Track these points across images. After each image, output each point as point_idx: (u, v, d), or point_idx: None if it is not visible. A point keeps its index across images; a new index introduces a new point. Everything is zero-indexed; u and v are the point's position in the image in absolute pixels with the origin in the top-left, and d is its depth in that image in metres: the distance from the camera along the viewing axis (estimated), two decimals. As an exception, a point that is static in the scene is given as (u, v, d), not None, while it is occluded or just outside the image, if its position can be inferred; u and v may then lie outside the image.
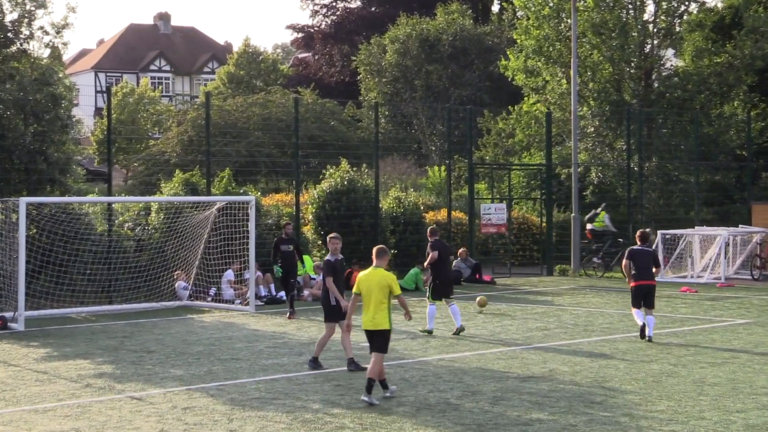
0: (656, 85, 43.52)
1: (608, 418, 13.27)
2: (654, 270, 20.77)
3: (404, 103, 61.27)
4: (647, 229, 24.57)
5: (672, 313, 24.98)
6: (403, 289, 29.63)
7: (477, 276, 33.38)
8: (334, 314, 17.02)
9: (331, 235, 17.75)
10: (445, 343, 19.72)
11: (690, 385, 15.37)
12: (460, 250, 33.77)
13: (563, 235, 37.81)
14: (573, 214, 36.22)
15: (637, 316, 20.60)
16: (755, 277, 33.91)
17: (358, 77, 65.17)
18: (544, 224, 37.92)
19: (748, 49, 41.45)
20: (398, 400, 14.42)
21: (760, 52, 41.34)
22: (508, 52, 45.74)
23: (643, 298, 20.61)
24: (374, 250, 15.09)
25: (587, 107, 41.76)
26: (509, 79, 46.24)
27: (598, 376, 16.18)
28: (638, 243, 21.14)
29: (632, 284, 20.71)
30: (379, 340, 14.54)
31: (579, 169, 38.93)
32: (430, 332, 21.15)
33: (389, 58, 62.28)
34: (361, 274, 14.94)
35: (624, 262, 21.07)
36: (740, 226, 36.92)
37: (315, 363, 17.03)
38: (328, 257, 17.42)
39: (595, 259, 35.98)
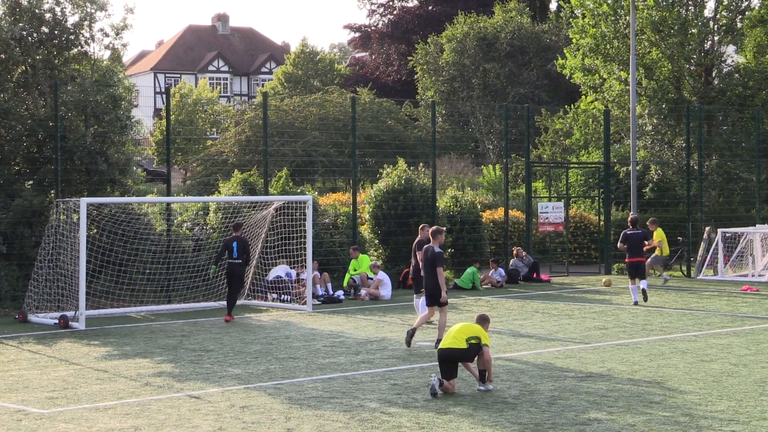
0: (716, 82, 43.05)
1: (667, 418, 13.16)
2: (644, 248, 26.83)
3: (461, 102, 61.17)
4: (635, 215, 30.18)
5: (733, 312, 24.70)
6: (459, 288, 30.00)
7: (534, 275, 33.25)
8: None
9: (435, 227, 19.31)
10: (503, 342, 19.66)
11: (751, 385, 15.20)
12: (515, 249, 33.69)
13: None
14: (632, 213, 35.92)
15: (633, 292, 26.13)
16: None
17: (415, 76, 65.19)
18: (602, 223, 37.67)
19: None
20: (455, 400, 14.41)
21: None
22: (565, 51, 45.50)
23: (635, 271, 26.11)
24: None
25: (646, 105, 41.39)
26: (567, 78, 46.02)
27: (657, 376, 16.05)
28: (630, 227, 26.74)
29: (626, 260, 26.51)
30: None
31: (638, 167, 38.61)
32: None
33: (446, 57, 62.21)
34: None
35: (619, 244, 26.51)
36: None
37: (433, 343, 18.81)
38: (439, 249, 18.78)
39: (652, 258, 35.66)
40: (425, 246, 19.34)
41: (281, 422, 13.17)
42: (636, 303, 26.04)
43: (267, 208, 27.60)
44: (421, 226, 22.84)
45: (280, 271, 27.45)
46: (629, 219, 27.64)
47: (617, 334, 20.92)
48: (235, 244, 24.06)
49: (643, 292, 26.00)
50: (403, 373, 16.55)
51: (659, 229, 31.14)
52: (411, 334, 19.16)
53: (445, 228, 22.20)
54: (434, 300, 18.92)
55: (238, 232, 24.65)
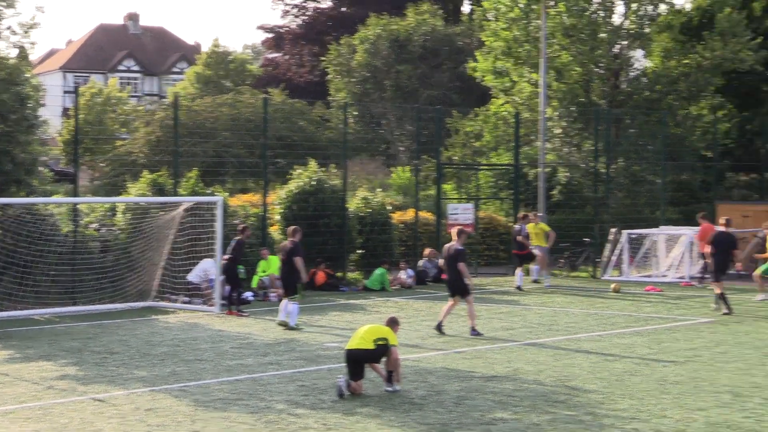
0: (624, 86, 43.73)
1: (571, 416, 13.32)
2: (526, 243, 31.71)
3: (373, 104, 61.28)
4: (524, 213, 33.73)
5: (636, 312, 25.11)
6: (368, 289, 30.06)
7: (443, 276, 33.37)
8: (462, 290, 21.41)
9: (459, 228, 22.08)
10: (410, 344, 19.73)
11: (652, 384, 15.46)
12: (426, 250, 33.82)
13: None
14: (540, 214, 36.31)
15: (517, 277, 30.86)
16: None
17: (328, 77, 65.11)
18: (510, 224, 38.00)
19: (719, 50, 41.68)
20: (362, 401, 14.43)
21: (730, 54, 41.57)
22: (476, 54, 45.83)
23: (520, 261, 31.78)
24: None
25: (556, 108, 41.88)
26: (478, 80, 46.35)
27: (562, 375, 16.24)
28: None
29: (514, 252, 32.23)
30: None
31: (546, 170, 39.07)
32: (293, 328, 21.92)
33: (359, 59, 62.25)
34: None
35: (519, 237, 31.66)
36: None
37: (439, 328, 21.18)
38: (461, 246, 21.11)
39: (561, 259, 36.15)
40: (447, 245, 21.62)
41: (187, 425, 13.07)
42: (519, 287, 30.41)
43: (176, 209, 27.34)
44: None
45: (206, 265, 26.96)
46: (520, 215, 33.53)
47: (524, 335, 21.13)
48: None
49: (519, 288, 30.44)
50: (311, 375, 16.53)
51: (541, 224, 32.90)
52: (439, 327, 21.27)
53: (465, 229, 25.85)
54: (457, 291, 21.34)
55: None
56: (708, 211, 39.36)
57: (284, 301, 22.37)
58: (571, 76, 42.00)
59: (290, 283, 22.41)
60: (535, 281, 32.17)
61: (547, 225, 33.57)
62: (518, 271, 31.48)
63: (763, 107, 45.30)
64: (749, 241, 36.17)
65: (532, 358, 17.98)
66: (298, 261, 22.08)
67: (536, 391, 15.05)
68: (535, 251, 32.26)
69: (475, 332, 20.99)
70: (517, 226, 32.90)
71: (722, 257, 24.97)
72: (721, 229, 25.84)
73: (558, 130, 42.18)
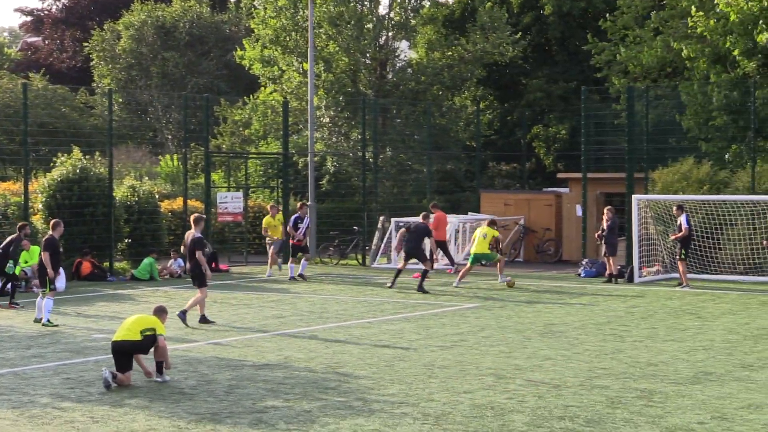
0: (391, 76, 44.45)
1: (342, 402, 13.44)
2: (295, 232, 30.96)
3: (139, 91, 60.10)
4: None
5: (405, 299, 25.58)
6: (137, 279, 29.53)
7: (213, 264, 33.14)
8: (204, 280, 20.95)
9: (196, 215, 21.78)
10: (180, 333, 19.48)
11: (420, 369, 15.78)
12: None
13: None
14: (309, 203, 36.51)
15: (290, 268, 30.48)
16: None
17: (91, 63, 63.42)
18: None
19: (480, 43, 42.88)
20: (131, 392, 14.15)
21: (491, 47, 42.83)
22: (244, 42, 45.63)
23: (293, 251, 30.97)
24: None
25: (324, 97, 42.17)
26: (246, 69, 46.16)
27: (333, 362, 16.38)
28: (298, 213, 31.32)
29: (292, 242, 30.99)
30: None
31: (315, 159, 39.31)
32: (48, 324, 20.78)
33: (123, 45, 60.89)
34: None
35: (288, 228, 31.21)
36: (469, 213, 38.22)
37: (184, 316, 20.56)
38: (200, 234, 20.88)
39: (330, 247, 36.47)
40: (188, 233, 21.19)
41: (-56, 422, 12.48)
42: (293, 278, 30.08)
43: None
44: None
45: None
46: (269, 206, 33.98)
47: (295, 323, 21.20)
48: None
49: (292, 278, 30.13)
50: (77, 367, 16.08)
51: (279, 215, 32.94)
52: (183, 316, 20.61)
53: (202, 215, 24.27)
54: (194, 279, 21.14)
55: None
56: (473, 200, 40.59)
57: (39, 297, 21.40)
58: (338, 65, 42.39)
59: (42, 277, 21.33)
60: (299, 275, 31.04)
61: (282, 217, 33.42)
62: (290, 262, 31.10)
63: (522, 99, 46.92)
64: (511, 229, 37.48)
65: (303, 346, 18.06)
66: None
67: (307, 378, 15.12)
68: (268, 242, 32.44)
69: (204, 320, 20.92)
70: (293, 218, 31.92)
71: (414, 243, 27.90)
72: (419, 220, 28.78)
73: (326, 120, 42.52)
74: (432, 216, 30.45)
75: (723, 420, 12.33)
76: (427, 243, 29.96)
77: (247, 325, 20.94)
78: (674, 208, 28.87)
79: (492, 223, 29.42)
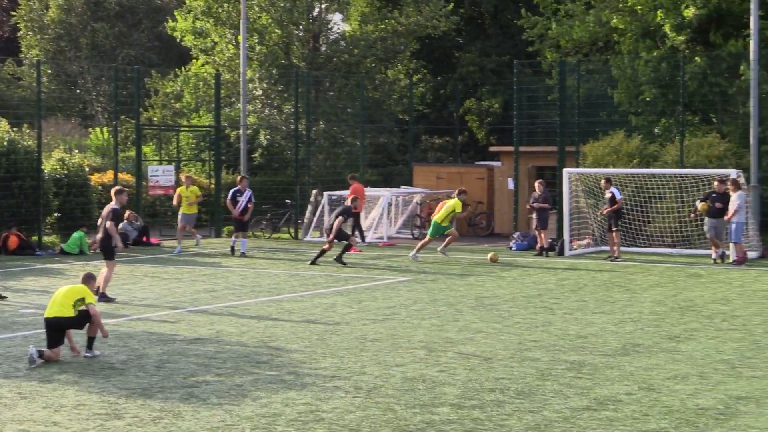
0: (324, 48, 44.31)
1: (274, 377, 13.43)
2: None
3: (68, 62, 59.28)
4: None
5: (337, 272, 25.59)
6: (66, 253, 29.20)
7: (144, 238, 32.95)
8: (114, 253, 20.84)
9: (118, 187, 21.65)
10: (111, 307, 19.32)
11: (353, 342, 15.81)
12: (127, 213, 33.15)
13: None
14: (245, 176, 36.36)
15: (241, 243, 29.54)
16: (415, 236, 35.30)
17: (19, 33, 62.39)
18: (212, 186, 37.84)
19: (413, 16, 42.88)
20: (60, 367, 14.01)
21: (424, 20, 42.85)
22: (176, 13, 45.18)
23: (236, 226, 30.27)
24: None
25: (257, 70, 41.94)
26: (178, 41, 45.74)
27: (265, 336, 16.35)
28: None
29: (233, 217, 30.06)
30: None
31: (248, 132, 39.10)
32: None
33: (52, 15, 59.98)
34: None
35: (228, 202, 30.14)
36: (402, 187, 38.31)
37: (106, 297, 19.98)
38: (117, 206, 20.77)
39: (263, 221, 36.35)
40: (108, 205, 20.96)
41: None
42: (237, 253, 29.47)
43: None
44: None
45: None
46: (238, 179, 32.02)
47: (226, 297, 21.13)
48: None
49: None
50: (5, 343, 15.88)
51: (192, 187, 31.60)
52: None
53: (124, 188, 22.45)
54: (103, 250, 21.14)
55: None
56: (405, 173, 40.66)
57: None
58: (271, 38, 42.15)
59: None
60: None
61: (198, 189, 32.68)
62: (233, 237, 30.54)
63: (455, 73, 47.04)
64: (444, 202, 37.57)
65: (234, 320, 18.01)
66: None
67: (239, 352, 15.08)
68: (179, 218, 31.22)
69: (105, 298, 19.92)
70: (232, 191, 30.63)
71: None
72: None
73: (259, 92, 42.32)
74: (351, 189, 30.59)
75: (650, 391, 12.52)
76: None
77: (178, 299, 20.82)
78: (602, 181, 29.18)
79: (461, 193, 29.02)
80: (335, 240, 27.38)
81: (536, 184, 30.01)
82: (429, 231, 29.10)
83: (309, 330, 16.95)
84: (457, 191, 29.14)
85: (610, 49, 37.88)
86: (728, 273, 25.41)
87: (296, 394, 12.42)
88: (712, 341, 15.91)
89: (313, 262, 27.12)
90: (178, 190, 32.02)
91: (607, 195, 28.67)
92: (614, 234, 28.44)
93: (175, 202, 32.19)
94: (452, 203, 28.53)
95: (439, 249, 28.86)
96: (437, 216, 28.69)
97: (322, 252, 27.41)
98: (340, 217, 27.42)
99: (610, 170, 30.53)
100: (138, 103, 36.98)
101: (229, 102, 44.94)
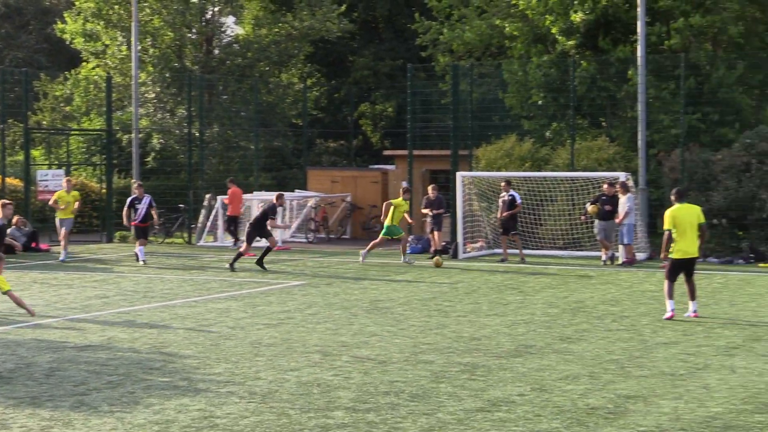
0: (217, 52, 43.99)
1: (167, 383, 13.28)
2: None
3: (-46, 64, 57.95)
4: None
5: (231, 277, 25.43)
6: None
7: (33, 244, 32.35)
8: None
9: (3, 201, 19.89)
10: (-1, 315, 18.92)
11: (247, 347, 15.71)
12: (15, 218, 32.48)
13: (124, 201, 37.33)
14: (134, 181, 35.91)
15: (139, 251, 28.68)
16: (310, 240, 35.27)
17: None
18: (104, 191, 37.31)
19: (307, 20, 42.82)
20: (-55, 377, 13.66)
21: (317, 23, 42.81)
22: (65, 15, 44.45)
23: (137, 234, 29.51)
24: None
25: (150, 73, 41.47)
26: (68, 43, 45.00)
27: (158, 342, 16.16)
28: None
29: (133, 224, 29.46)
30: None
31: (140, 135, 38.65)
32: None
33: (-63, 16, 58.61)
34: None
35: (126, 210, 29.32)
36: (296, 191, 38.23)
37: None
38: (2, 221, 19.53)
39: (156, 226, 35.93)
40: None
41: None
42: (144, 261, 28.64)
43: None
44: None
45: None
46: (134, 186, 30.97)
47: (118, 303, 20.84)
48: None
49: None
50: None
51: (73, 192, 30.50)
52: None
53: (8, 203, 19.98)
54: None
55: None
56: (300, 177, 40.58)
57: None
58: (163, 40, 41.72)
59: None
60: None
61: (77, 192, 31.76)
62: (138, 245, 29.21)
63: (349, 76, 47.10)
64: (338, 206, 37.67)
65: (127, 327, 17.77)
66: None
67: (131, 359, 14.88)
68: (58, 224, 30.08)
69: None
70: (129, 199, 29.74)
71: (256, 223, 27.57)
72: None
73: (151, 96, 41.83)
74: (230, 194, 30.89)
75: (542, 391, 12.68)
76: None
77: (68, 305, 20.47)
78: (502, 183, 29.47)
79: (406, 192, 29.07)
80: (245, 242, 27.52)
81: (429, 188, 30.20)
82: (381, 232, 29.09)
83: (203, 335, 16.81)
84: (402, 190, 29.28)
85: (502, 54, 38.31)
86: (618, 274, 25.89)
87: (189, 401, 12.30)
88: (602, 342, 16.19)
89: (232, 266, 26.84)
90: (57, 193, 30.45)
91: (506, 198, 28.96)
92: (514, 237, 28.84)
93: (51, 202, 30.70)
94: (396, 202, 28.69)
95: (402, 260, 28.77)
96: (387, 219, 28.72)
97: (239, 255, 27.27)
98: (271, 219, 27.36)
99: (503, 173, 30.87)
100: (26, 106, 36.31)
101: (121, 105, 44.34)
